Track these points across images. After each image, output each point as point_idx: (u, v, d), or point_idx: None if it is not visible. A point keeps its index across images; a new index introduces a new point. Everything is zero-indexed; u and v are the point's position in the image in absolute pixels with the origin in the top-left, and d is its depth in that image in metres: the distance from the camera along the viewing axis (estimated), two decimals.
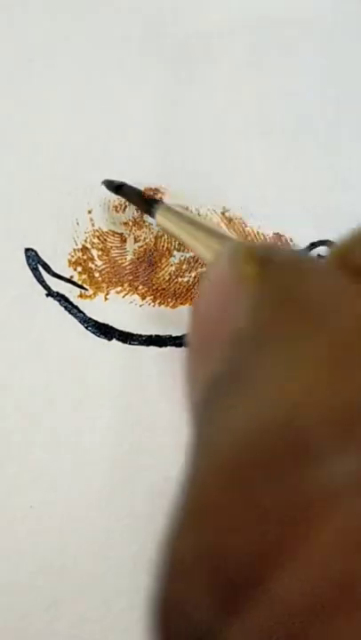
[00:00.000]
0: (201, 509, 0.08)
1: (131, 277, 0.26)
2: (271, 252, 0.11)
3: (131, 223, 0.27)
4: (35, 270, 0.26)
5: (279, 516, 0.07)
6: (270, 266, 0.11)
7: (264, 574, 0.07)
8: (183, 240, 0.22)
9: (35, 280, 0.25)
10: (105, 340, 0.24)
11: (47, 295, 0.25)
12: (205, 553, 0.07)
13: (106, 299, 0.25)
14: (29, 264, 0.26)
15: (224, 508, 0.08)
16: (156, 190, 0.28)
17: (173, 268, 0.26)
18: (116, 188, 0.26)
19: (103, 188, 0.28)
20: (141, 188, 0.28)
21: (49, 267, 0.26)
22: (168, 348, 0.24)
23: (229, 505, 0.08)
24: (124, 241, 0.27)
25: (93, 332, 0.24)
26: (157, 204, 0.24)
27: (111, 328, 0.24)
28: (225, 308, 0.11)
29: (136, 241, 0.27)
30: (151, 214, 0.24)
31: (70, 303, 0.25)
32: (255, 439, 0.08)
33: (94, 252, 0.26)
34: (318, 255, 0.26)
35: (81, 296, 0.25)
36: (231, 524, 0.07)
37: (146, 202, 0.25)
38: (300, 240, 0.26)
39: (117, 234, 0.27)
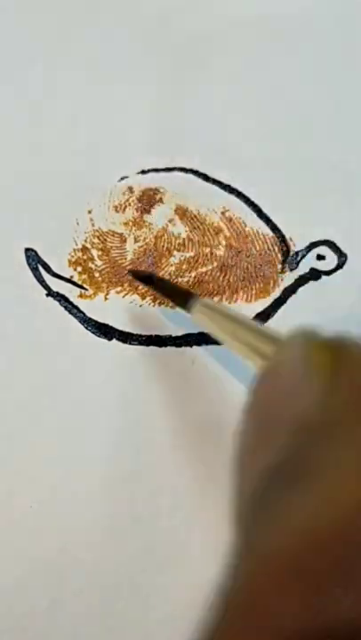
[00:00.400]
0: (257, 608, 0.08)
1: (131, 277, 0.26)
2: (343, 341, 0.11)
3: (131, 223, 0.27)
4: (35, 270, 0.26)
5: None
6: (345, 356, 0.10)
7: None
8: (221, 338, 0.20)
9: (35, 280, 0.25)
10: (105, 340, 0.24)
11: (47, 295, 0.25)
12: None
13: (106, 299, 0.25)
14: (29, 264, 0.26)
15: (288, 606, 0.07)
16: (156, 190, 0.28)
17: (173, 268, 0.26)
18: (145, 279, 0.25)
19: (103, 187, 0.28)
20: (142, 188, 0.28)
21: (49, 267, 0.26)
22: (168, 348, 0.24)
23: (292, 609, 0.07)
24: (124, 241, 0.27)
25: (93, 332, 0.24)
26: (193, 298, 0.22)
27: (111, 328, 0.24)
28: (291, 395, 0.10)
29: (136, 241, 0.27)
30: (187, 309, 0.22)
31: (70, 303, 0.25)
32: (326, 542, 0.07)
33: (94, 252, 0.26)
34: (318, 256, 0.26)
35: (81, 296, 0.25)
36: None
37: (181, 296, 0.23)
38: (301, 239, 0.26)
39: (117, 234, 0.27)
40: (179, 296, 0.23)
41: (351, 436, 0.09)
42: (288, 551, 0.08)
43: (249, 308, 0.25)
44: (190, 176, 0.28)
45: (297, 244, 0.26)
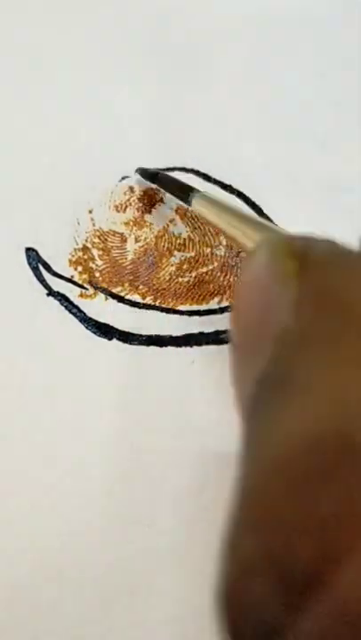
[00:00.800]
0: (262, 510, 0.08)
1: (131, 277, 0.26)
2: (310, 245, 0.11)
3: (131, 223, 0.27)
4: (35, 270, 0.26)
5: (338, 518, 0.07)
6: (310, 261, 0.10)
7: (325, 573, 0.07)
8: (221, 227, 0.21)
9: (35, 279, 0.25)
10: (105, 340, 0.24)
11: (48, 294, 0.25)
12: (268, 553, 0.08)
13: (106, 298, 0.25)
14: (30, 263, 0.26)
15: (285, 510, 0.08)
16: (157, 190, 0.28)
17: (174, 268, 0.26)
18: (152, 176, 0.27)
19: (104, 187, 0.28)
20: (143, 188, 0.28)
21: (49, 266, 0.26)
22: (168, 348, 0.24)
23: (290, 507, 0.08)
24: (124, 241, 0.27)
25: (93, 332, 0.24)
26: (193, 191, 0.24)
27: (111, 328, 0.24)
28: (267, 306, 0.11)
29: (137, 241, 0.27)
30: (187, 202, 0.24)
31: (70, 303, 0.25)
32: (313, 443, 0.08)
33: (95, 252, 0.26)
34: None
35: (81, 295, 0.25)
36: (292, 525, 0.08)
37: (182, 189, 0.25)
38: None
39: (118, 234, 0.27)
40: (180, 190, 0.25)
41: (322, 348, 0.09)
42: (285, 450, 0.08)
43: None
44: (191, 176, 0.28)
45: None
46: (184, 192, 0.24)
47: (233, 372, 0.12)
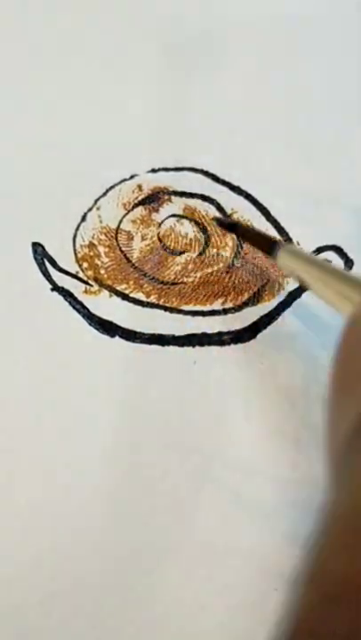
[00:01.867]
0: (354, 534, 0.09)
1: (136, 275, 0.26)
2: None
3: (139, 221, 0.27)
4: (41, 264, 0.26)
5: None
6: None
7: None
8: (307, 283, 0.21)
9: (40, 274, 0.26)
10: (108, 337, 0.24)
11: (52, 290, 0.25)
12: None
13: (110, 296, 0.25)
14: (36, 258, 0.26)
15: None
16: (166, 189, 0.28)
17: (179, 268, 0.26)
18: (230, 226, 0.26)
19: (113, 185, 0.28)
20: (149, 188, 0.28)
21: (55, 261, 0.26)
22: (170, 347, 0.24)
23: None
24: (131, 239, 0.27)
25: (96, 329, 0.24)
26: (278, 243, 0.22)
27: (114, 325, 0.24)
28: None
29: (143, 239, 0.27)
30: (272, 255, 0.22)
31: (75, 298, 0.25)
32: None
33: (101, 249, 0.27)
34: (326, 260, 0.26)
35: (86, 292, 0.25)
36: None
37: (266, 241, 0.23)
38: (307, 244, 0.26)
39: (125, 231, 0.27)
40: (264, 242, 0.23)
41: None
42: None
43: (253, 310, 0.25)
44: (200, 176, 0.29)
45: (304, 248, 0.26)
46: (268, 244, 0.23)
47: (329, 413, 0.13)
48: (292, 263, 0.21)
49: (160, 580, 0.20)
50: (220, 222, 0.26)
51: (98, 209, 0.28)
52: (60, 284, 0.25)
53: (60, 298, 0.25)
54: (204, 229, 0.27)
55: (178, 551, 0.21)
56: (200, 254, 0.26)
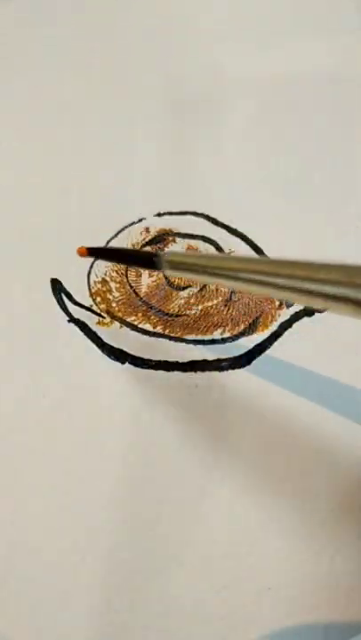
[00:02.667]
0: None
1: (144, 308, 0.29)
2: None
3: None
4: (59, 299, 0.29)
5: None
6: None
7: None
8: (199, 280, 0.21)
9: (58, 307, 0.28)
10: (119, 364, 0.27)
11: (69, 321, 0.28)
12: None
13: (121, 326, 0.28)
14: (54, 293, 0.29)
15: None
16: (170, 231, 0.31)
17: (182, 302, 0.29)
18: (94, 252, 0.25)
19: (122, 227, 0.31)
20: (156, 230, 0.31)
21: (72, 296, 0.29)
22: (175, 372, 0.27)
23: None
24: (139, 276, 0.30)
25: (108, 356, 0.27)
26: (157, 257, 0.21)
27: (124, 353, 0.27)
28: None
29: (150, 276, 0.30)
30: (158, 268, 0.22)
31: (89, 329, 0.28)
32: None
33: (112, 285, 0.29)
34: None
35: (99, 323, 0.28)
36: None
37: (147, 258, 0.22)
38: None
39: (134, 269, 0.30)
40: (144, 260, 0.23)
41: None
42: None
43: (249, 339, 0.28)
44: (201, 220, 0.31)
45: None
46: (149, 260, 0.22)
47: None
48: (179, 270, 0.21)
49: (165, 581, 0.22)
50: (90, 252, 0.25)
51: None
52: (76, 315, 0.28)
53: (76, 328, 0.28)
54: None
55: (180, 556, 0.23)
56: (201, 289, 0.29)
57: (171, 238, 0.31)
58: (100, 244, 0.31)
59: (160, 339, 0.28)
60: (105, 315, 0.28)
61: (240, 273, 0.18)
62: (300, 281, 0.17)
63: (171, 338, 0.28)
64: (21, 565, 0.23)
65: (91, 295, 0.29)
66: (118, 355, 0.27)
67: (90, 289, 0.29)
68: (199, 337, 0.28)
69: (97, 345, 0.27)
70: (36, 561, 0.23)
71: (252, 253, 0.30)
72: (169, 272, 0.21)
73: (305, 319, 0.28)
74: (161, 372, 0.27)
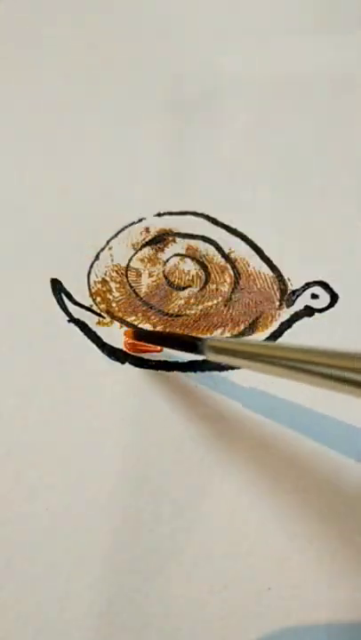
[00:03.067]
0: None
1: (144, 308, 0.29)
2: None
3: (146, 260, 0.30)
4: (59, 299, 0.29)
5: None
6: None
7: None
8: (241, 365, 0.22)
9: (59, 307, 0.28)
10: (119, 364, 0.27)
11: (69, 321, 0.28)
12: None
13: (121, 326, 0.28)
14: (54, 293, 0.29)
15: None
16: (170, 231, 0.31)
17: (182, 302, 0.29)
18: (148, 337, 0.27)
19: (123, 227, 0.31)
20: (156, 230, 0.31)
21: (72, 296, 0.29)
22: (174, 372, 0.27)
23: None
24: (139, 276, 0.30)
25: (108, 356, 0.27)
26: (202, 342, 0.23)
27: (125, 353, 0.27)
28: None
29: (150, 276, 0.30)
30: (200, 353, 0.23)
31: (89, 329, 0.28)
32: None
33: (112, 285, 0.29)
34: (312, 295, 0.29)
35: (99, 323, 0.28)
36: None
37: (190, 343, 0.24)
38: (297, 280, 0.29)
39: (134, 269, 0.30)
40: (187, 344, 0.24)
41: None
42: None
43: (249, 339, 0.28)
44: (201, 220, 0.31)
45: (294, 284, 0.29)
46: (192, 345, 0.24)
47: None
48: (221, 356, 0.22)
49: (165, 581, 0.22)
50: (140, 336, 0.27)
51: (110, 249, 0.31)
52: (76, 316, 0.28)
53: (77, 328, 0.28)
54: (204, 267, 0.30)
55: (181, 555, 0.23)
56: (201, 289, 0.29)
57: (171, 238, 0.31)
58: (100, 243, 0.31)
59: None
60: (105, 315, 0.28)
61: (280, 360, 0.19)
62: (338, 370, 0.17)
63: None
64: (21, 565, 0.23)
65: (91, 295, 0.29)
66: (118, 354, 0.27)
67: (90, 289, 0.29)
68: (199, 337, 0.28)
69: (97, 345, 0.27)
70: (36, 561, 0.23)
71: (253, 256, 0.30)
72: (212, 357, 0.23)
73: (305, 319, 0.28)
74: (161, 372, 0.27)
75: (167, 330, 0.28)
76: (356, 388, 0.17)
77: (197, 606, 0.22)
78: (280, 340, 0.28)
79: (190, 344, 0.24)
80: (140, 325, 0.28)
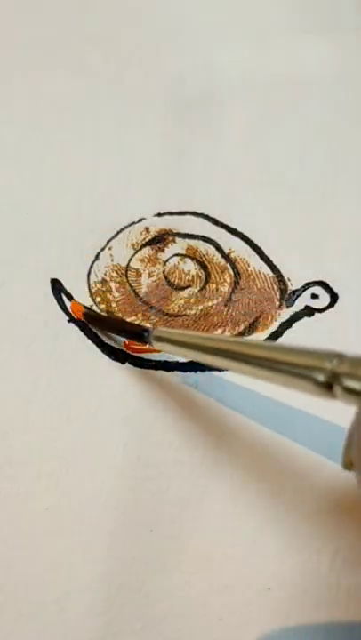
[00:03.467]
0: None
1: (144, 308, 0.29)
2: None
3: (146, 260, 0.30)
4: (59, 299, 0.29)
5: None
6: None
7: None
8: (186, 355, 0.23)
9: (58, 307, 0.28)
10: (119, 364, 0.27)
11: (69, 321, 0.28)
12: None
13: None
14: (54, 293, 0.29)
15: None
16: (170, 231, 0.31)
17: (182, 302, 0.29)
18: (92, 319, 0.27)
19: (123, 227, 0.31)
20: (157, 229, 0.31)
21: (71, 296, 0.29)
22: (175, 372, 0.27)
23: None
24: (139, 275, 0.30)
25: (108, 356, 0.27)
26: (147, 332, 0.24)
27: (125, 353, 0.27)
28: None
29: (150, 276, 0.30)
30: (146, 342, 0.24)
31: (89, 329, 0.28)
32: None
33: (112, 285, 0.29)
34: (312, 295, 0.29)
35: None
36: None
37: (137, 332, 0.25)
38: (297, 280, 0.29)
39: (134, 269, 0.30)
40: (134, 333, 0.25)
41: None
42: None
43: (249, 339, 0.28)
44: (201, 220, 0.31)
45: (294, 284, 0.29)
46: (139, 334, 0.25)
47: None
48: (166, 345, 0.23)
49: (165, 581, 0.22)
50: (87, 316, 0.27)
51: (110, 249, 0.31)
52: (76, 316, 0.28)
53: (77, 328, 0.28)
54: (204, 267, 0.30)
55: (181, 555, 0.23)
56: (201, 289, 0.29)
57: (171, 238, 0.31)
58: (101, 243, 0.31)
59: None
60: (105, 315, 0.28)
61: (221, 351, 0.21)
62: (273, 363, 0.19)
63: None
64: (21, 565, 0.23)
65: (91, 295, 0.29)
66: (118, 355, 0.27)
67: (90, 289, 0.29)
68: None
69: (97, 345, 0.27)
70: (36, 561, 0.23)
71: (253, 256, 0.30)
72: (158, 346, 0.24)
73: (305, 319, 0.28)
74: (161, 372, 0.27)
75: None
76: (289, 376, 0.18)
77: (197, 606, 0.22)
78: (280, 340, 0.28)
79: (138, 334, 0.25)
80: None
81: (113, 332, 0.27)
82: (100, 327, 0.28)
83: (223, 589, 0.22)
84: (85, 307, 0.28)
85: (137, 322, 0.28)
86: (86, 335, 0.28)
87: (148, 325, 0.25)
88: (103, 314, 0.28)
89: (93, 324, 0.28)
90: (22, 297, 0.29)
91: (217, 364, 0.21)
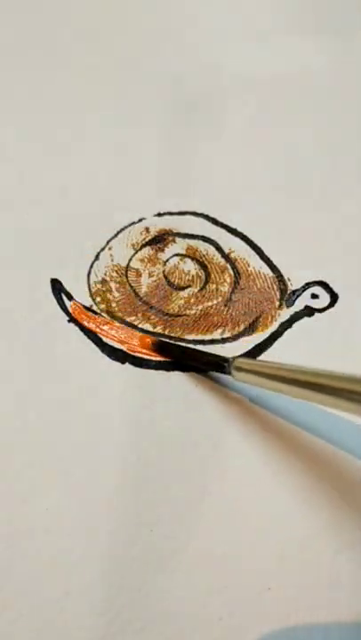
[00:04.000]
0: None
1: (144, 308, 0.29)
2: None
3: (146, 260, 0.30)
4: (59, 299, 0.29)
5: None
6: None
7: None
8: (265, 387, 0.22)
9: (58, 307, 0.28)
10: (118, 363, 0.27)
11: (69, 321, 0.28)
12: None
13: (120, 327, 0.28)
14: (54, 293, 0.29)
15: None
16: (170, 231, 0.31)
17: (182, 302, 0.29)
18: (170, 351, 0.27)
19: (123, 227, 0.31)
20: (157, 229, 0.31)
21: (71, 296, 0.29)
22: (175, 372, 0.27)
23: None
24: (139, 275, 0.30)
25: (108, 356, 0.27)
26: (227, 362, 0.24)
27: (124, 352, 0.27)
28: None
29: (150, 276, 0.30)
30: (227, 373, 0.24)
31: (89, 329, 0.28)
32: None
33: (112, 285, 0.29)
34: (312, 295, 0.29)
35: None
36: None
37: (216, 362, 0.25)
38: (297, 280, 0.29)
39: (134, 269, 0.30)
40: (214, 363, 0.25)
41: None
42: None
43: (248, 339, 0.28)
44: (201, 220, 0.31)
45: (294, 284, 0.29)
46: (218, 365, 0.24)
47: None
48: (248, 376, 0.23)
49: (165, 581, 0.22)
50: (159, 346, 0.27)
51: (110, 249, 0.31)
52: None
53: (77, 328, 0.28)
54: (204, 267, 0.30)
55: (181, 555, 0.23)
56: (201, 289, 0.29)
57: (171, 238, 0.31)
58: (101, 243, 0.31)
59: (160, 338, 0.28)
60: (105, 315, 0.28)
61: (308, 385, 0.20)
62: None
63: (171, 338, 0.28)
64: (21, 565, 0.23)
65: (91, 295, 0.29)
66: (118, 354, 0.27)
67: (90, 289, 0.29)
68: (199, 337, 0.28)
69: (97, 345, 0.27)
70: (36, 561, 0.23)
71: (253, 256, 0.30)
72: (240, 377, 0.23)
73: (305, 319, 0.28)
74: (161, 372, 0.27)
75: (167, 331, 0.28)
76: None
77: (197, 606, 0.22)
78: (280, 340, 0.28)
79: (215, 364, 0.25)
80: (140, 326, 0.28)
81: (186, 361, 0.26)
82: (172, 357, 0.27)
83: (223, 589, 0.22)
84: (158, 339, 0.27)
85: (136, 322, 0.28)
86: (86, 335, 0.28)
87: (227, 357, 0.24)
88: (176, 343, 0.27)
89: (162, 354, 0.27)
90: (22, 297, 0.29)
91: (302, 397, 0.20)
